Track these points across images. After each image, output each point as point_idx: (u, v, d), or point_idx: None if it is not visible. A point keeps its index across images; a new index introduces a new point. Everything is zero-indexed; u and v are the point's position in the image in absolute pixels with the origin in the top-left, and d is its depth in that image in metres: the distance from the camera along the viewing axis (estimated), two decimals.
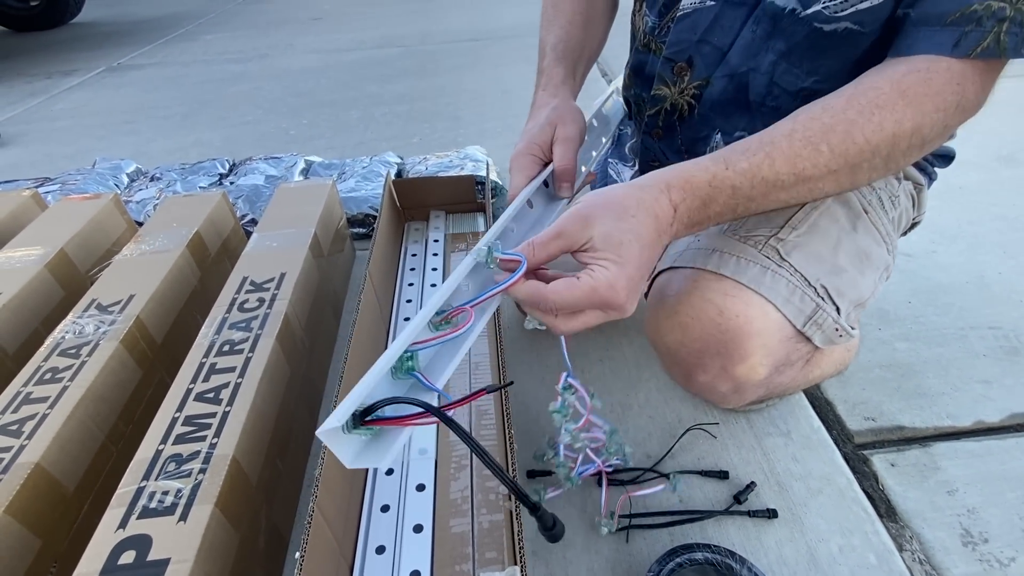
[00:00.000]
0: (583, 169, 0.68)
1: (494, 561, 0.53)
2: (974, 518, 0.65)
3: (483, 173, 1.20)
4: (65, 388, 0.65)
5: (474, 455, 0.40)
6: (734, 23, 0.58)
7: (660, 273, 0.62)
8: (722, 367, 0.56)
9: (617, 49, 0.86)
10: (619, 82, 0.83)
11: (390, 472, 0.65)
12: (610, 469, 0.68)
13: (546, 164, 0.61)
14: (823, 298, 0.54)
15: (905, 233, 0.70)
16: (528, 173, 0.59)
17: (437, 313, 0.46)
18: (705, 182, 0.47)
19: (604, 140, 0.74)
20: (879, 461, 0.72)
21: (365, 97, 2.12)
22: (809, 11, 0.52)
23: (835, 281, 0.55)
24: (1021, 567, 0.60)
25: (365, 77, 2.34)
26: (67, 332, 0.74)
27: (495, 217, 1.18)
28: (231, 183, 1.31)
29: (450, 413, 0.39)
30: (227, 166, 1.42)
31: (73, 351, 0.71)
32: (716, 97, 0.63)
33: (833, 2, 0.50)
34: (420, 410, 0.38)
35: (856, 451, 0.73)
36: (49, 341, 0.73)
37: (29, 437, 0.60)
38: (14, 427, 0.61)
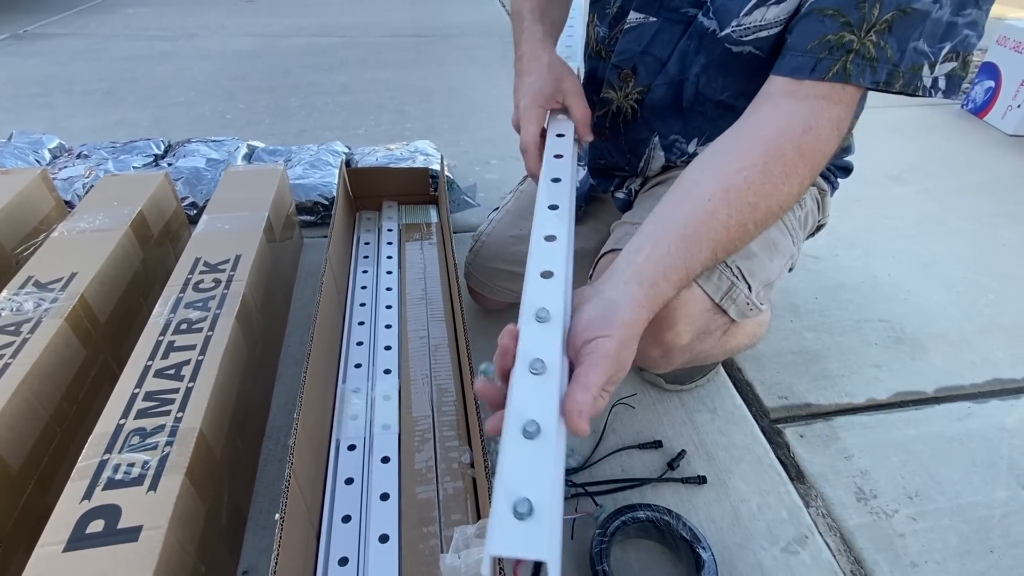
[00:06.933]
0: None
1: (460, 521, 0.57)
2: (866, 479, 0.76)
3: (435, 166, 1.23)
4: (7, 365, 0.63)
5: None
6: (672, 37, 0.65)
7: (604, 255, 0.68)
8: (652, 334, 0.61)
9: None
10: None
11: (352, 448, 0.67)
12: None
13: (549, 112, 0.67)
14: (737, 277, 0.62)
15: (813, 234, 0.81)
16: (539, 123, 0.64)
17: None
18: (671, 296, 0.50)
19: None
20: (790, 433, 0.82)
21: (306, 85, 2.08)
22: (723, 33, 0.60)
23: (747, 264, 0.63)
24: (903, 517, 0.72)
25: (305, 65, 2.29)
26: (3, 309, 0.70)
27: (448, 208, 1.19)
28: (169, 164, 1.26)
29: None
30: (162, 147, 1.36)
31: (12, 328, 0.68)
32: (656, 102, 0.70)
33: (740, 27, 0.59)
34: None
35: (772, 425, 0.83)
36: None
37: None
38: None
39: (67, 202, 1.15)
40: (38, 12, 2.88)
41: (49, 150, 1.30)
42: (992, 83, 1.87)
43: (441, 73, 2.25)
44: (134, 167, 1.25)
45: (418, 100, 1.97)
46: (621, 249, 0.55)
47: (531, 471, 0.33)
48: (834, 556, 0.67)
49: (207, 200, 1.20)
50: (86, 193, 1.17)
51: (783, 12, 0.56)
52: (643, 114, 0.72)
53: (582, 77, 0.81)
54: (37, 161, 1.25)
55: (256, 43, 2.54)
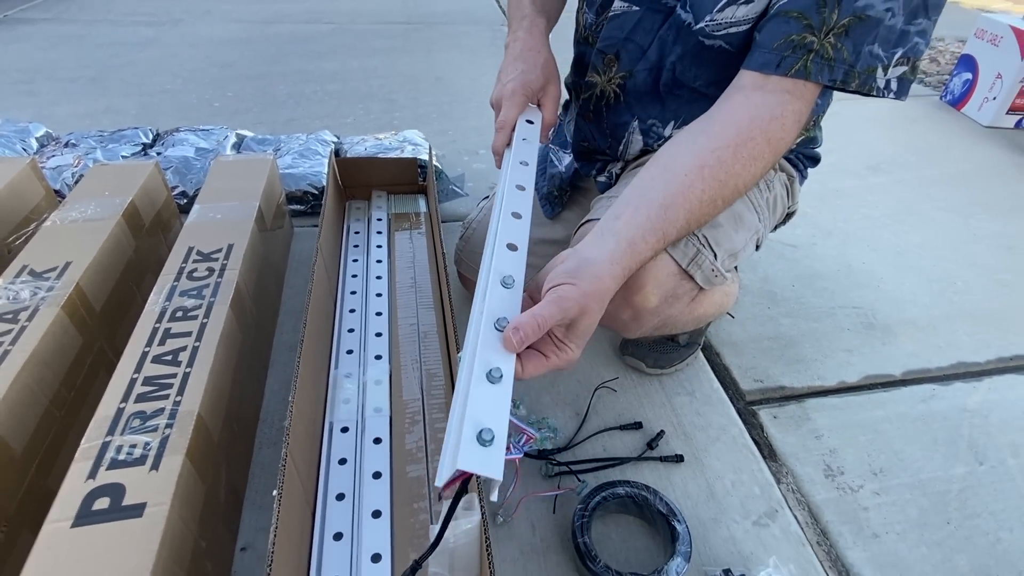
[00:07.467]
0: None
1: (448, 498, 0.60)
2: (834, 456, 0.80)
3: (424, 156, 1.25)
4: (7, 352, 0.64)
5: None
6: (653, 26, 0.69)
7: (583, 224, 0.72)
8: (623, 297, 0.64)
9: None
10: None
11: (345, 430, 0.70)
12: (535, 452, 0.77)
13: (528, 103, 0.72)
14: (703, 245, 0.66)
15: (784, 222, 0.84)
16: (519, 108, 0.70)
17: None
18: (648, 258, 0.56)
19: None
20: (764, 414, 0.86)
21: (294, 73, 2.07)
22: (697, 26, 0.64)
23: (713, 233, 0.67)
24: (867, 492, 0.76)
25: (293, 52, 2.28)
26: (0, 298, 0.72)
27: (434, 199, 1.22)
28: (158, 154, 1.27)
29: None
30: (151, 136, 1.36)
31: (10, 316, 0.69)
32: (637, 87, 0.74)
33: (713, 23, 0.63)
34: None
35: (747, 406, 0.87)
36: None
37: None
38: None
39: (56, 191, 1.15)
40: None
41: (36, 138, 1.30)
42: (970, 75, 1.92)
43: (429, 61, 2.25)
44: (123, 156, 1.25)
45: (406, 89, 1.98)
46: (600, 219, 0.59)
47: (493, 408, 0.40)
48: (802, 528, 0.71)
49: (197, 189, 1.21)
50: (75, 182, 1.18)
51: (751, 12, 0.60)
52: (625, 98, 0.76)
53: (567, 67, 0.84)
54: (24, 150, 1.25)
55: (243, 29, 2.51)
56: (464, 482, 0.41)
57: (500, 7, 3.01)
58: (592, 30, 0.76)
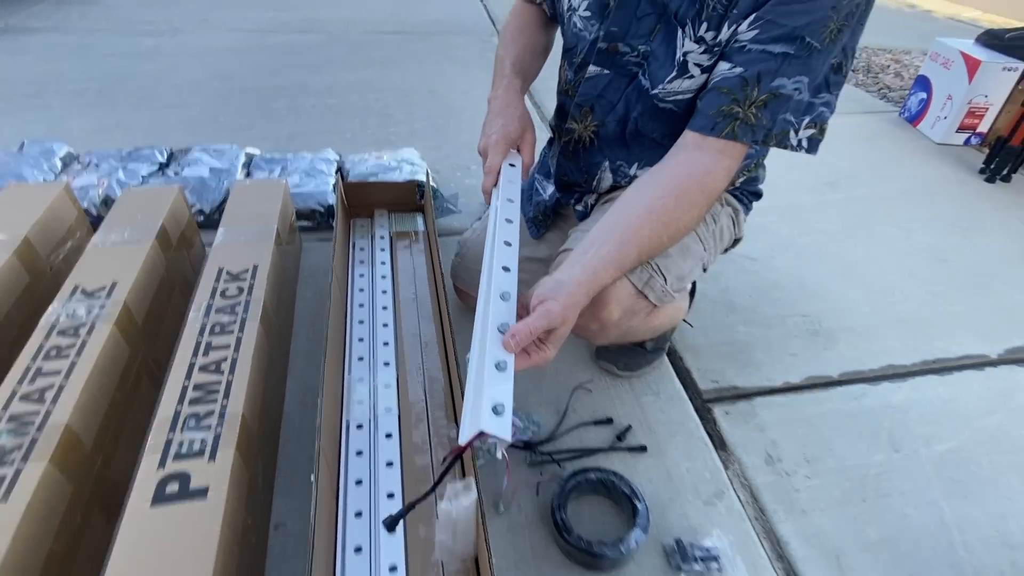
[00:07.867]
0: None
1: (450, 481, 0.74)
2: (775, 447, 0.94)
3: (422, 177, 1.37)
4: (74, 363, 0.76)
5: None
6: (621, 86, 0.83)
7: (561, 252, 0.85)
8: (592, 312, 0.79)
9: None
10: None
11: (360, 427, 0.83)
12: (521, 443, 0.90)
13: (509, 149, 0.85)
14: (655, 271, 0.81)
15: (733, 246, 0.98)
16: (503, 155, 0.82)
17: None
18: (608, 283, 0.70)
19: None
20: (718, 411, 1.00)
21: (293, 86, 2.18)
22: (653, 91, 0.79)
23: (664, 261, 0.82)
24: (800, 476, 0.90)
25: (290, 64, 2.38)
26: (60, 315, 0.83)
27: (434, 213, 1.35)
28: (175, 174, 1.38)
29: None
30: (165, 155, 1.47)
31: (72, 331, 0.81)
32: (608, 134, 0.88)
33: (664, 91, 0.77)
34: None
35: (703, 404, 1.01)
36: (43, 322, 0.82)
37: (53, 403, 0.71)
38: (35, 396, 0.72)
39: (84, 210, 1.26)
40: (15, 2, 2.88)
41: (60, 159, 1.40)
42: (924, 95, 2.07)
43: (422, 73, 2.36)
44: (142, 176, 1.36)
45: (401, 103, 2.09)
46: (574, 249, 0.73)
47: (501, 390, 0.55)
48: (743, 506, 0.85)
49: (213, 207, 1.33)
50: (101, 201, 1.29)
51: (694, 85, 0.75)
52: (598, 143, 0.90)
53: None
54: (50, 169, 1.35)
55: (240, 39, 2.60)
56: (459, 454, 0.57)
57: (489, 16, 3.12)
58: (571, 85, 0.89)
